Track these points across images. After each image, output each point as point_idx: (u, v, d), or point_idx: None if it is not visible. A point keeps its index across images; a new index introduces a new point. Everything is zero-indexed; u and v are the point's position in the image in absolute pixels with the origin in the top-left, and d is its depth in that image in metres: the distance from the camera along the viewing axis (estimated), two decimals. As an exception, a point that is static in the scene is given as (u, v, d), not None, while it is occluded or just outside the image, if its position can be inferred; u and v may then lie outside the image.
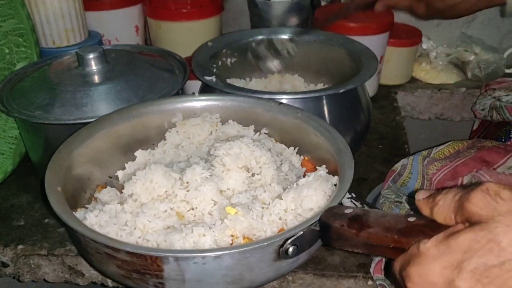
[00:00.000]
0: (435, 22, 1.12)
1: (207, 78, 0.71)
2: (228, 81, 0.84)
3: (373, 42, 0.88)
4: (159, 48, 0.90)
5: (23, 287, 0.91)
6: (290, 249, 0.47)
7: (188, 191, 0.55)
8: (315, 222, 0.47)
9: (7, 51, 0.80)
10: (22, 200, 0.73)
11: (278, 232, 0.52)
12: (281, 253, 0.47)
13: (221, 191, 0.57)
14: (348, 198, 0.59)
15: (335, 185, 0.55)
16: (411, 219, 0.40)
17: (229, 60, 0.84)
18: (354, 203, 0.59)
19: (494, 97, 0.91)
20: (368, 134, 0.81)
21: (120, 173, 0.63)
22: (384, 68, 1.01)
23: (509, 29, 1.12)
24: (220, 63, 0.82)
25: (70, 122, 0.65)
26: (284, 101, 0.67)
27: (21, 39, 0.81)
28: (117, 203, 0.55)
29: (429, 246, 0.36)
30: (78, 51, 0.72)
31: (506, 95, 0.90)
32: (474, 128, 1.02)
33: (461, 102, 1.05)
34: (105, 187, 0.60)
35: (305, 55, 0.86)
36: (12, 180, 0.77)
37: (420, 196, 0.40)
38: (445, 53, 1.09)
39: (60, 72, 0.73)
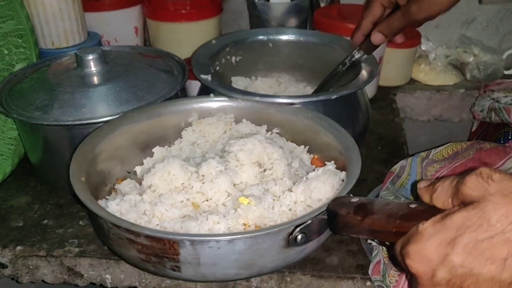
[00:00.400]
0: (434, 23, 1.12)
1: (203, 76, 0.71)
2: (233, 79, 0.84)
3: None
4: (158, 49, 0.90)
5: (22, 288, 0.91)
6: (299, 237, 0.50)
7: (203, 183, 0.59)
8: (323, 211, 0.50)
9: (6, 52, 0.80)
10: (21, 201, 0.73)
11: (288, 222, 0.55)
12: (290, 241, 0.50)
13: (234, 184, 0.60)
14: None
15: (343, 180, 0.58)
16: (413, 205, 0.43)
17: (234, 58, 0.84)
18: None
19: (493, 99, 0.91)
20: (367, 135, 0.81)
21: (138, 168, 0.66)
22: (383, 69, 1.01)
23: (508, 30, 1.12)
24: (224, 60, 0.82)
25: (69, 123, 0.65)
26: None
27: (20, 40, 0.81)
28: (137, 194, 0.59)
29: (426, 226, 0.38)
30: (77, 52, 0.72)
31: (505, 97, 0.90)
32: (473, 129, 1.02)
33: (460, 103, 1.05)
34: (125, 180, 0.63)
35: (305, 56, 0.86)
36: (11, 181, 0.77)
37: (421, 185, 0.42)
38: (444, 54, 1.09)
39: (59, 73, 0.73)
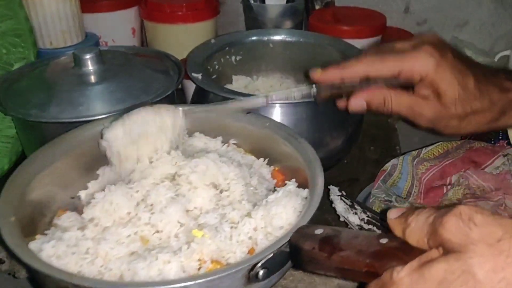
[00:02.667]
0: (427, 26, 1.14)
1: (194, 75, 0.72)
2: (234, 77, 0.86)
3: (365, 45, 0.90)
4: (155, 50, 0.91)
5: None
6: (261, 273, 0.45)
7: (152, 213, 0.53)
8: (285, 243, 0.45)
9: (4, 51, 0.82)
10: (18, 198, 0.74)
11: (248, 252, 0.50)
12: (251, 277, 0.45)
13: (187, 211, 0.54)
14: (338, 195, 0.61)
15: (306, 198, 0.53)
16: (383, 240, 0.39)
17: (234, 57, 0.85)
18: (344, 201, 0.61)
19: (484, 100, 0.92)
20: (360, 136, 0.83)
21: (82, 193, 0.59)
22: (377, 71, 1.02)
23: (500, 34, 1.14)
24: (223, 60, 0.83)
25: (66, 120, 0.66)
26: (277, 105, 0.68)
27: (18, 40, 0.82)
28: (78, 229, 0.52)
29: (402, 275, 0.34)
30: (75, 52, 0.73)
31: (496, 98, 0.91)
32: (465, 130, 1.03)
33: (453, 105, 1.06)
34: (66, 211, 0.56)
35: (305, 57, 0.87)
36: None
37: (392, 215, 0.39)
38: (437, 57, 1.10)
39: (57, 72, 0.74)
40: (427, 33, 0.54)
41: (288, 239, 0.45)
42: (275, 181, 0.61)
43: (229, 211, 0.53)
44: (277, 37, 0.86)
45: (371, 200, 0.67)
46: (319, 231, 0.44)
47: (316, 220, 0.69)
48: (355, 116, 0.76)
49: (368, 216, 0.60)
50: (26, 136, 0.73)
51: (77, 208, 0.58)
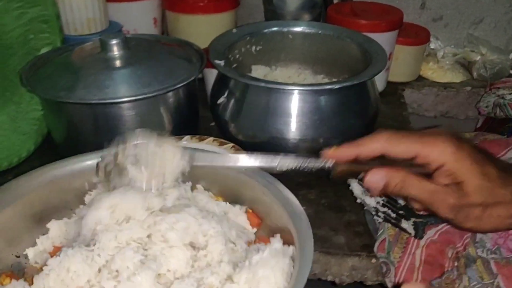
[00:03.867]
0: (443, 22, 1.15)
1: (217, 61, 0.74)
2: (253, 67, 0.88)
3: (382, 39, 0.91)
4: (177, 38, 0.93)
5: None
6: None
7: (118, 281, 0.44)
8: None
9: (31, 36, 0.84)
10: (44, 177, 0.76)
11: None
12: None
13: (160, 274, 0.46)
14: (355, 179, 0.63)
15: (291, 256, 0.47)
16: None
17: (254, 47, 0.87)
18: (361, 184, 0.62)
19: (498, 95, 0.94)
20: (375, 126, 0.84)
21: (30, 251, 0.52)
22: (393, 65, 1.04)
23: (515, 31, 1.15)
24: (243, 49, 0.85)
25: (93, 102, 0.69)
26: (296, 91, 0.70)
27: (45, 26, 0.85)
28: None
29: None
30: (102, 37, 0.75)
31: (510, 94, 0.93)
32: (478, 125, 1.05)
33: (466, 100, 1.08)
34: (11, 275, 0.49)
35: (324, 49, 0.89)
36: (34, 158, 0.81)
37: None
38: (452, 53, 1.12)
39: (83, 57, 0.77)
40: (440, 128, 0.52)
41: None
42: (255, 230, 0.55)
43: (207, 275, 0.45)
44: (296, 29, 0.88)
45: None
46: None
47: (332, 205, 0.72)
48: (372, 105, 0.78)
49: (383, 200, 0.62)
50: (52, 117, 0.76)
51: (24, 270, 0.51)
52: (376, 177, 0.50)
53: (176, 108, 0.77)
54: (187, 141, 0.74)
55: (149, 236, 0.48)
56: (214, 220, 0.50)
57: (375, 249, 0.62)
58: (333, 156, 0.52)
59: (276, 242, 0.48)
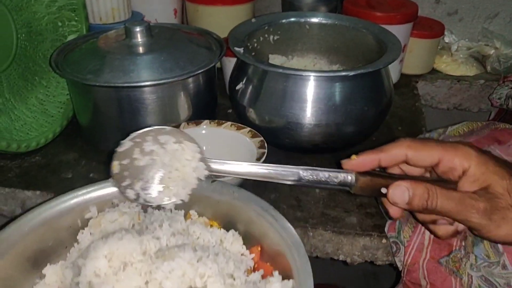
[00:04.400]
0: (458, 17, 1.17)
1: (237, 49, 0.77)
2: (271, 56, 0.90)
3: (397, 31, 0.93)
4: (198, 27, 0.97)
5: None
6: None
7: None
8: None
9: (60, 24, 0.88)
10: (69, 157, 0.80)
11: None
12: None
13: None
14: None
15: None
16: None
17: (272, 37, 0.89)
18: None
19: (511, 88, 0.96)
20: (388, 115, 0.87)
21: None
22: (407, 58, 1.06)
23: (530, 26, 1.16)
24: (261, 38, 0.88)
25: (118, 85, 0.72)
26: (312, 78, 0.72)
27: (73, 14, 0.89)
28: None
29: None
30: (127, 25, 0.79)
31: (522, 86, 0.95)
32: (491, 118, 1.07)
33: (479, 93, 1.09)
34: None
35: (340, 40, 0.91)
36: (60, 140, 0.85)
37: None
38: (466, 46, 1.14)
39: (109, 43, 0.80)
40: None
41: None
42: (253, 256, 0.52)
43: None
44: (313, 19, 0.90)
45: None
46: None
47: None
48: (386, 95, 0.80)
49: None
50: (79, 99, 0.79)
51: None
52: (400, 189, 0.47)
53: (196, 94, 0.80)
54: (206, 125, 0.77)
55: (146, 283, 0.46)
56: (210, 259, 0.47)
57: (386, 229, 0.65)
58: (355, 164, 0.50)
59: (276, 281, 0.47)
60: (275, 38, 0.90)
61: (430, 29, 1.07)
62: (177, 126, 0.76)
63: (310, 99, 0.72)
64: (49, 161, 0.79)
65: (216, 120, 0.78)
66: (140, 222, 0.55)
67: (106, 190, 0.57)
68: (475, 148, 0.48)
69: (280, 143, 0.78)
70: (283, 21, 0.90)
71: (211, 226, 0.57)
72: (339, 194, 0.73)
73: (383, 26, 0.90)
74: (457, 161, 0.47)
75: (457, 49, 1.13)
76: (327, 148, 0.79)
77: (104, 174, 0.76)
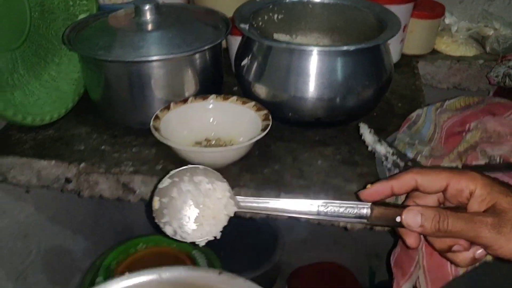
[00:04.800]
0: (458, -1, 1.19)
1: (242, 25, 0.80)
2: (275, 35, 0.93)
3: (397, 11, 0.96)
4: (204, 7, 0.99)
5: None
6: None
7: None
8: None
9: (71, 3, 0.91)
10: (81, 131, 0.84)
11: None
12: None
13: None
14: (368, 128, 0.68)
15: None
16: None
17: (276, 16, 0.92)
18: (373, 134, 0.68)
19: (508, 66, 0.98)
20: (388, 92, 0.89)
21: None
22: (407, 38, 1.08)
23: (529, 8, 1.18)
24: (266, 17, 0.91)
25: (129, 60, 0.75)
26: (315, 52, 0.75)
27: (83, -6, 0.92)
28: None
29: None
30: (136, 2, 0.82)
31: (520, 64, 0.97)
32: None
33: (479, 73, 1.12)
34: None
35: (342, 19, 0.93)
36: (71, 115, 0.88)
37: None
38: (466, 27, 1.16)
39: (119, 21, 0.83)
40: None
41: None
42: None
43: None
44: (317, -1, 0.93)
45: (396, 143, 0.74)
46: None
47: (346, 160, 0.77)
48: (386, 70, 0.83)
49: (393, 150, 0.67)
50: (91, 75, 0.82)
51: None
52: (412, 213, 0.50)
53: (202, 70, 0.83)
54: (212, 99, 0.80)
55: None
56: None
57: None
58: (370, 194, 0.54)
59: None
60: (279, 17, 0.93)
61: (431, 10, 1.10)
62: (185, 100, 0.79)
63: (313, 73, 0.75)
64: (62, 134, 0.83)
65: (222, 95, 0.81)
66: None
67: (120, 283, 0.58)
68: (480, 173, 0.51)
69: (285, 118, 0.81)
70: (287, 0, 0.92)
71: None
72: (340, 166, 0.76)
73: (384, 5, 0.93)
74: (464, 183, 0.50)
75: (457, 30, 1.15)
76: (330, 122, 0.82)
77: (116, 147, 0.79)
